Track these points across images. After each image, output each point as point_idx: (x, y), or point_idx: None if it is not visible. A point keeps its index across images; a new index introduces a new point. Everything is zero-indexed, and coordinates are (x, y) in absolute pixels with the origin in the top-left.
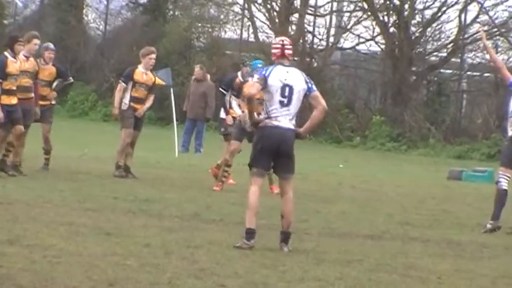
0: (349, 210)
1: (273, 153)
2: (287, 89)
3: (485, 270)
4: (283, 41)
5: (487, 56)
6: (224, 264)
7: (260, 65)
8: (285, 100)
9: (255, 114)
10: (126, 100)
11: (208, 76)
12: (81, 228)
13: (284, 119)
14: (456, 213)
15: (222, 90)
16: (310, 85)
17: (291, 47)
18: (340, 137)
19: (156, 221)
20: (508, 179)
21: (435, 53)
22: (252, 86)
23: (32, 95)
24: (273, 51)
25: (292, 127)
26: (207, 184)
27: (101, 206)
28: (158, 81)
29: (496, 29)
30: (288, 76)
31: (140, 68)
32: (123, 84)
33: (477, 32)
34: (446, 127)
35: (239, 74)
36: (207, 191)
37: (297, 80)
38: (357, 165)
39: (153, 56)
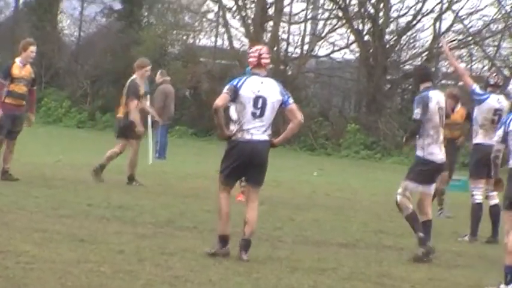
0: (323, 218)
1: (244, 166)
2: (260, 100)
3: (459, 279)
4: (260, 49)
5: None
6: (198, 271)
7: None
8: (258, 112)
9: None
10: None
11: (159, 80)
12: (55, 234)
13: (257, 131)
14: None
15: None
16: (286, 98)
17: (268, 55)
18: (314, 144)
19: (130, 228)
20: (481, 190)
21: (410, 62)
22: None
23: (24, 102)
24: (250, 59)
25: (266, 138)
26: (180, 191)
27: (74, 213)
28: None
29: (470, 38)
30: (262, 87)
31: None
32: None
33: (448, 43)
34: None
35: None
36: (180, 197)
37: (272, 91)
38: (331, 173)
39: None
